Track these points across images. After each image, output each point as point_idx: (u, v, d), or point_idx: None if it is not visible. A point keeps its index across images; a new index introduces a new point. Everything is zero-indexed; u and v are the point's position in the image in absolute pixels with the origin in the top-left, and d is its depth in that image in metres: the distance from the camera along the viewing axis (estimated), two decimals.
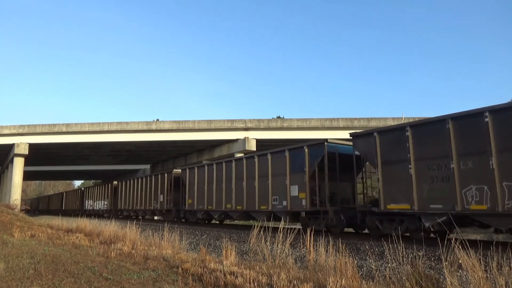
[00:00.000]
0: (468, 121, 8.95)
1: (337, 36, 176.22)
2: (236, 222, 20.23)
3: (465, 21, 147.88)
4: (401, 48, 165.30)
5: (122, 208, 29.88)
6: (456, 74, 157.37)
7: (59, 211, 39.64)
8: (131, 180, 29.59)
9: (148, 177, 26.06)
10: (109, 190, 33.66)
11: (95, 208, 36.71)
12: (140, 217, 25.99)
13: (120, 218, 25.18)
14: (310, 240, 6.66)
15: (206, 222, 20.54)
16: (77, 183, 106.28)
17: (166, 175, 23.24)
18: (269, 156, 14.73)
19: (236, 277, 5.60)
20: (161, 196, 23.18)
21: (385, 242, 5.88)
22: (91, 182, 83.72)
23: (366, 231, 11.59)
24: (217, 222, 20.55)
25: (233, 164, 16.80)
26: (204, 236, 13.81)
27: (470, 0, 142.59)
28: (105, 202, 34.27)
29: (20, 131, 37.43)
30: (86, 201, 40.22)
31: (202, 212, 18.80)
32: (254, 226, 8.22)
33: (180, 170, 21.76)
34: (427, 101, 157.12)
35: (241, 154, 25.41)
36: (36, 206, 71.81)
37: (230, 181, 16.77)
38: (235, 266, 6.68)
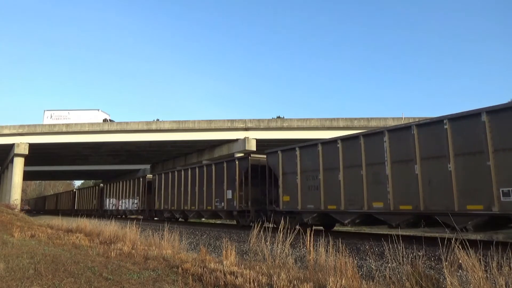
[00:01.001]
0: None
1: (337, 36, 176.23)
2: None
3: (465, 21, 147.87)
4: (401, 48, 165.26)
5: (162, 208, 23.60)
6: (456, 74, 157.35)
7: (70, 212, 38.65)
8: (176, 172, 23.30)
9: (207, 167, 19.76)
10: (141, 185, 27.59)
11: (120, 207, 31.42)
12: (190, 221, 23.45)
13: (157, 221, 22.86)
14: (310, 240, 6.65)
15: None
16: (77, 183, 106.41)
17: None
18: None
19: (236, 277, 5.60)
20: (229, 192, 17.43)
21: (385, 242, 5.88)
22: (91, 182, 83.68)
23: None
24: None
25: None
26: (204, 236, 13.81)
27: (470, 0, 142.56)
28: (135, 201, 28.90)
29: (20, 131, 37.40)
30: (108, 199, 34.23)
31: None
32: (254, 226, 8.22)
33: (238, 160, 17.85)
34: (427, 101, 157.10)
35: (241, 154, 25.44)
36: (41, 206, 67.45)
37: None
38: (235, 266, 6.67)
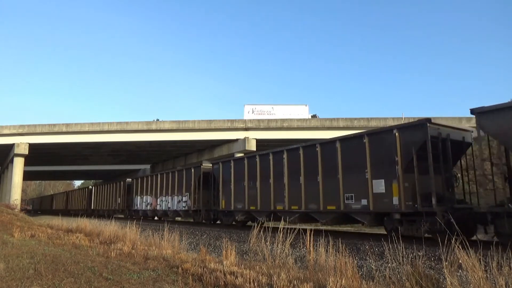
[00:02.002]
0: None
1: (337, 36, 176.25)
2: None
3: (465, 21, 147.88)
4: (402, 48, 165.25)
5: (233, 208, 16.59)
6: (456, 74, 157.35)
7: (85, 212, 35.88)
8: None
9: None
10: (192, 178, 20.52)
11: (158, 208, 24.64)
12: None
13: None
14: (310, 240, 6.65)
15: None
16: (77, 183, 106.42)
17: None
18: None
19: (236, 277, 5.59)
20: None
21: (385, 242, 5.88)
22: (91, 182, 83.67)
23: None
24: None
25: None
26: (204, 236, 13.81)
27: (469, 0, 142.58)
28: (183, 198, 21.68)
29: (20, 131, 37.40)
30: (138, 197, 28.06)
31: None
32: (254, 226, 8.22)
33: None
34: (428, 101, 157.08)
35: (241, 154, 25.44)
36: (48, 205, 61.00)
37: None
38: (235, 266, 6.67)
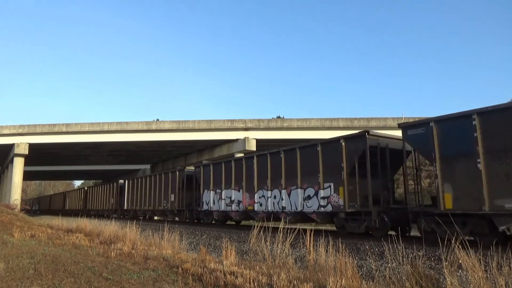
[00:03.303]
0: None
1: (337, 36, 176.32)
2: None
3: (464, 22, 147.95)
4: (402, 49, 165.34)
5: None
6: (456, 74, 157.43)
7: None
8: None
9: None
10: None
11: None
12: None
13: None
14: (310, 240, 6.65)
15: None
16: (77, 183, 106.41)
17: None
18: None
19: (236, 277, 5.59)
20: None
21: (385, 242, 5.88)
22: (91, 182, 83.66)
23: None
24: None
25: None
26: (204, 236, 13.81)
27: (469, 1, 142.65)
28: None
29: (20, 131, 37.40)
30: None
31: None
32: (254, 226, 8.23)
33: None
34: (428, 102, 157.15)
35: (241, 154, 25.44)
36: (58, 205, 52.38)
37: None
38: (235, 266, 6.67)
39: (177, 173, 21.44)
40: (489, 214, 7.79)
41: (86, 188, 41.01)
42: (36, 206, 68.60)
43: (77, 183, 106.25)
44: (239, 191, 15.50)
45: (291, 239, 7.08)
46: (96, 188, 36.80)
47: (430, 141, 8.89)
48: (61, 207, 49.06)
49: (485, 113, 8.04)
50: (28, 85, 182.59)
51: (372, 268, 6.95)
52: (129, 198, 27.90)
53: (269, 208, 13.57)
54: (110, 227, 12.64)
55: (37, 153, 40.01)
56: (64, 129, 37.21)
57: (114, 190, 30.95)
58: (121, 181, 30.46)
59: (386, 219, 10.01)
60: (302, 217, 12.55)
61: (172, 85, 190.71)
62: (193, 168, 20.35)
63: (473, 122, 8.12)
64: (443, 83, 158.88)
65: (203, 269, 6.31)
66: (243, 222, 18.06)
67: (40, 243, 10.58)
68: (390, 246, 5.62)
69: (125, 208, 28.30)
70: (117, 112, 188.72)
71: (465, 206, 8.18)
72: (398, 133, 10.58)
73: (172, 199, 21.52)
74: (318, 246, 6.45)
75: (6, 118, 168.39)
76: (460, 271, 4.99)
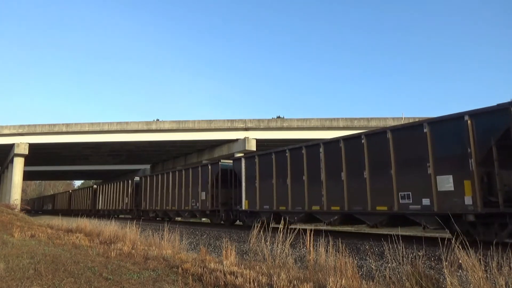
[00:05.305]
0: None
1: (337, 37, 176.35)
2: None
3: (464, 23, 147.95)
4: (402, 49, 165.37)
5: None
6: (456, 74, 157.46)
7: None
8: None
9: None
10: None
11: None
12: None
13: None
14: (310, 240, 6.65)
15: None
16: (77, 183, 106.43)
17: None
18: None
19: (236, 277, 5.59)
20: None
21: (385, 242, 5.88)
22: (91, 182, 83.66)
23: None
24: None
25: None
26: (204, 236, 13.81)
27: (468, 2, 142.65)
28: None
29: (20, 131, 37.39)
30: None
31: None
32: (254, 226, 8.23)
33: None
34: (428, 102, 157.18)
35: (241, 154, 25.46)
36: (64, 205, 49.17)
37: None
38: (235, 266, 6.67)
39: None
40: None
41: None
42: (49, 206, 60.79)
43: (77, 183, 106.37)
44: None
45: (291, 239, 7.08)
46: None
47: None
48: (67, 207, 47.35)
49: None
50: (28, 85, 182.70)
51: (372, 268, 6.95)
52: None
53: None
54: (110, 227, 12.63)
55: (37, 153, 40.01)
56: (64, 129, 37.21)
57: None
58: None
59: None
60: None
61: (172, 85, 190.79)
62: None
63: None
64: (443, 83, 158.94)
65: (203, 269, 6.31)
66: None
67: (40, 243, 10.58)
68: (390, 246, 5.62)
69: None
70: (117, 112, 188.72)
71: None
72: None
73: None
74: (318, 246, 6.46)
75: (6, 118, 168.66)
76: (460, 271, 4.98)
